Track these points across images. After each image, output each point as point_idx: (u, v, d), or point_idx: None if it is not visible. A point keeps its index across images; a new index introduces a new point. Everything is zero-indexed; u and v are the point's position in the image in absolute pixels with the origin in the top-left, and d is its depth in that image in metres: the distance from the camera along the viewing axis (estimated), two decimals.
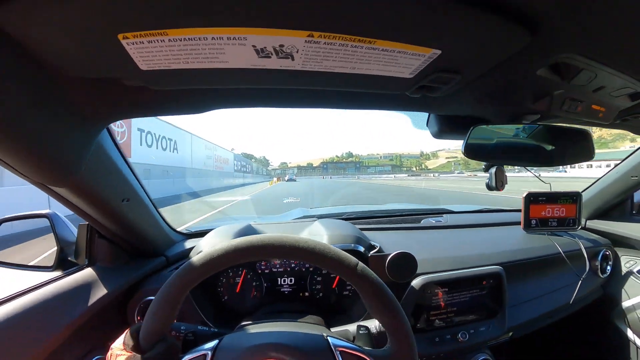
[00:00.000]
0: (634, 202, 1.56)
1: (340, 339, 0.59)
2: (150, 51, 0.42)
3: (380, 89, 0.63)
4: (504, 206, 1.84)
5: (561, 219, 1.33)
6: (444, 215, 1.59)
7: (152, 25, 0.38)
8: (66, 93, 0.53)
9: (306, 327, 0.67)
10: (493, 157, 0.90)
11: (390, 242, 1.14)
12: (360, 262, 0.58)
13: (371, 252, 0.96)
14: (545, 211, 1.33)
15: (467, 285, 1.05)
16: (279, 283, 1.05)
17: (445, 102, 0.79)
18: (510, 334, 1.16)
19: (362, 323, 0.74)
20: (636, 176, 1.37)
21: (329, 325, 0.87)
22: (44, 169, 0.58)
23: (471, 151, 0.83)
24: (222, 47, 0.43)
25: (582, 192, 1.54)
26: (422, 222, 1.48)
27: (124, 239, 0.93)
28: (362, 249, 0.99)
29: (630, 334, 1.41)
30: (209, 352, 0.54)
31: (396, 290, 0.99)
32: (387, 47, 0.45)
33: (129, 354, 0.52)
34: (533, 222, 1.34)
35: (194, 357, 0.53)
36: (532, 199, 1.34)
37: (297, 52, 0.45)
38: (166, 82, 0.54)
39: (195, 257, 0.54)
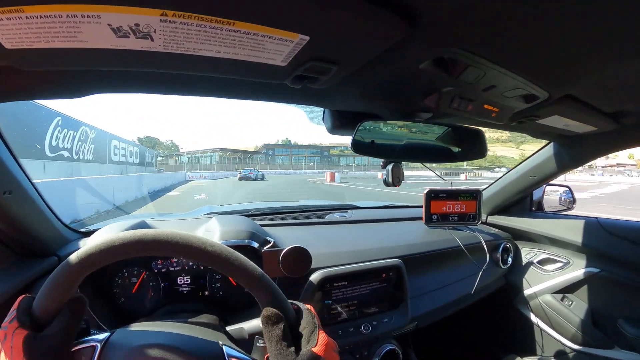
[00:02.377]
0: (533, 200, 1.72)
1: (236, 350, 0.57)
2: (11, 29, 0.40)
3: (255, 77, 0.61)
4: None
5: (462, 215, 1.44)
6: (349, 210, 1.63)
7: (8, 1, 0.36)
8: None
9: (201, 331, 0.64)
10: (385, 154, 0.93)
11: (290, 238, 1.14)
12: (264, 274, 0.56)
13: (265, 248, 0.95)
14: (446, 207, 1.42)
15: (367, 278, 1.08)
16: (178, 282, 1.01)
17: (334, 96, 0.80)
18: (415, 323, 1.22)
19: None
20: (534, 176, 1.50)
21: (226, 323, 0.85)
22: None
23: (359, 147, 0.85)
24: (78, 26, 0.41)
25: (484, 190, 1.67)
26: (326, 217, 1.51)
27: (9, 236, 0.84)
28: (256, 244, 0.98)
29: (533, 317, 1.56)
30: (99, 345, 0.50)
31: (293, 285, 1.00)
32: (249, 29, 0.43)
33: (26, 331, 0.45)
34: (434, 217, 1.42)
35: (84, 348, 0.49)
36: (433, 195, 1.43)
37: (155, 32, 0.43)
38: (34, 63, 0.51)
39: (95, 242, 0.49)
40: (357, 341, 1.06)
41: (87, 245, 0.49)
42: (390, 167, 1.05)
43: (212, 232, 1.02)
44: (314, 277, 1.00)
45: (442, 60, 0.59)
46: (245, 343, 0.70)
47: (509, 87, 0.72)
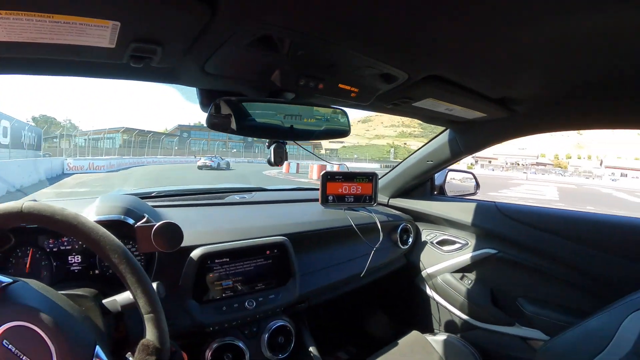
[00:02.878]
0: (435, 185, 1.84)
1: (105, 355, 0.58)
2: None
3: (93, 58, 0.66)
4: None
5: (358, 196, 1.52)
6: (253, 193, 1.66)
7: None
8: None
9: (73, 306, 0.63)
10: (250, 132, 0.95)
11: (177, 217, 1.14)
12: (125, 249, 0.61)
13: (138, 223, 0.94)
14: (342, 188, 1.50)
15: (250, 255, 1.11)
16: (69, 262, 1.00)
17: (181, 74, 0.81)
18: (307, 300, 1.28)
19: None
20: (431, 161, 1.59)
21: (105, 295, 0.83)
22: None
23: (214, 124, 0.87)
24: None
25: (386, 174, 1.78)
26: (225, 199, 1.53)
27: None
28: (131, 221, 0.98)
29: (434, 295, 1.66)
30: None
31: (176, 262, 1.00)
32: (67, 20, 0.50)
33: None
34: (330, 198, 1.49)
35: None
36: (329, 177, 1.49)
37: None
38: None
39: None
40: (243, 316, 1.09)
41: None
42: (273, 147, 1.09)
43: (91, 209, 1.00)
44: (194, 253, 1.02)
45: (269, 39, 0.61)
46: (118, 314, 0.71)
47: (355, 67, 0.74)
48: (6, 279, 0.55)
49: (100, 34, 0.54)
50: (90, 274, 1.02)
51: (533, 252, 1.38)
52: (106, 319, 0.71)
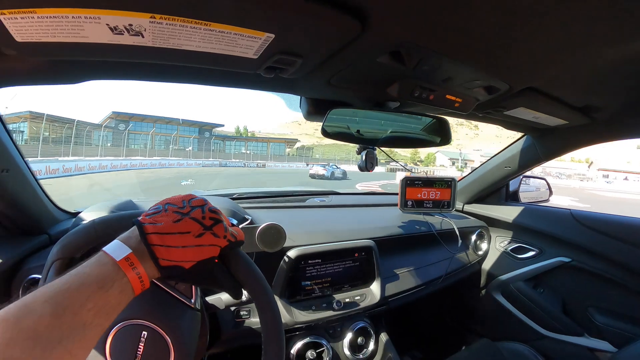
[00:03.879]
0: (509, 190, 1.79)
1: None
2: (23, 26, 0.49)
3: (231, 67, 0.69)
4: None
5: (436, 202, 1.50)
6: (330, 196, 1.69)
7: (23, 4, 0.44)
8: None
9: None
10: (355, 139, 0.99)
11: (269, 219, 1.20)
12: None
13: (242, 225, 1.01)
14: (421, 194, 1.49)
15: (340, 257, 1.15)
16: None
17: (304, 85, 0.85)
18: (387, 303, 1.29)
19: None
20: (509, 167, 1.56)
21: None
22: None
23: (329, 132, 0.91)
24: (81, 25, 0.48)
25: (461, 179, 1.74)
26: (306, 201, 1.57)
27: (3, 213, 0.90)
28: (235, 222, 1.03)
29: (505, 303, 1.62)
30: None
31: (271, 262, 1.07)
32: (222, 29, 0.51)
33: None
34: (409, 203, 1.49)
35: None
36: (409, 182, 1.49)
37: (145, 30, 0.51)
38: (39, 53, 0.59)
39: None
40: (329, 317, 1.13)
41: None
42: (364, 153, 1.12)
43: None
44: (290, 253, 1.07)
45: (397, 54, 0.64)
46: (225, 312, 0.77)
47: (467, 79, 0.76)
48: None
49: (249, 44, 0.56)
50: None
51: (607, 262, 1.34)
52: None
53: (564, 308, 1.48)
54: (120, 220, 0.66)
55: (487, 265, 1.68)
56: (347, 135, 0.97)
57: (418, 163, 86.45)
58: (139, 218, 0.49)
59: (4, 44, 0.56)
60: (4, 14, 0.46)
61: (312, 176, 23.45)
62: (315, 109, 0.96)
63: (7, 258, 0.87)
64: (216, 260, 0.54)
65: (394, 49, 0.62)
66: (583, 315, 1.41)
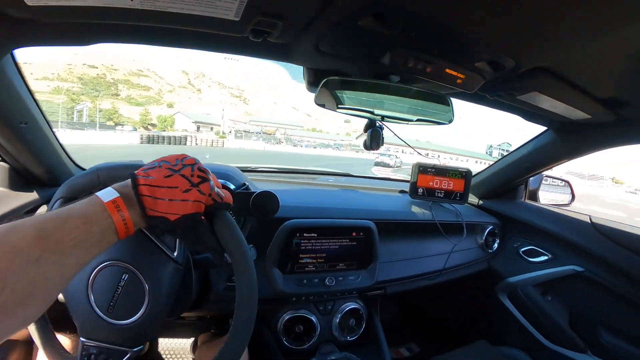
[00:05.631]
0: (529, 188, 1.69)
1: None
2: None
3: (217, 30, 0.71)
4: None
5: (448, 192, 1.43)
6: (342, 177, 1.67)
7: None
8: None
9: None
10: (349, 109, 0.96)
11: (273, 190, 1.21)
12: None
13: (238, 190, 1.02)
14: (433, 182, 1.43)
15: (337, 234, 1.13)
16: None
17: (294, 51, 0.84)
18: (383, 288, 1.27)
19: None
20: (528, 163, 1.48)
21: None
22: None
23: (322, 101, 0.90)
24: None
25: (478, 173, 1.66)
26: (317, 180, 1.57)
27: (21, 164, 0.95)
28: (232, 186, 1.05)
29: (510, 306, 1.56)
30: None
31: (267, 231, 1.07)
32: None
33: None
34: (420, 190, 1.43)
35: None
36: (421, 168, 1.43)
37: None
38: (48, 15, 0.64)
39: None
40: (320, 292, 1.14)
41: None
42: (370, 131, 1.09)
43: None
44: (286, 224, 1.07)
45: (381, 17, 0.62)
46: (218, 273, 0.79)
47: (465, 50, 0.73)
48: None
49: (228, 6, 0.58)
50: None
51: (623, 277, 1.26)
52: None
53: (571, 320, 1.41)
54: (121, 169, 0.71)
55: (496, 264, 1.61)
56: (339, 100, 0.95)
57: (149, 127, 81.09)
58: (136, 171, 0.53)
59: (17, 7, 0.60)
60: None
61: (378, 164, 22.71)
62: (315, 79, 0.95)
63: (22, 206, 0.93)
64: (203, 218, 0.56)
65: (374, 11, 0.61)
66: (589, 331, 1.34)
